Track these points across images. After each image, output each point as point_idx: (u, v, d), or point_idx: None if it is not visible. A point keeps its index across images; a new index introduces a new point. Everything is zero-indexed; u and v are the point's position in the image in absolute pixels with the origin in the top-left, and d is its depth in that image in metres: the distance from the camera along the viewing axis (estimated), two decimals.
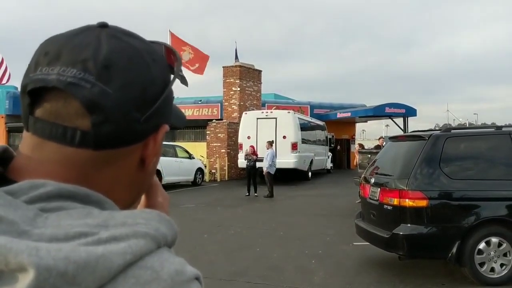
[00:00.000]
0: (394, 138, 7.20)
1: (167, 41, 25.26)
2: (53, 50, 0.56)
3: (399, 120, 26.99)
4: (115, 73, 0.54)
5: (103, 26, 0.58)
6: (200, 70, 25.50)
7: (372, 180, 6.30)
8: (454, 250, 5.14)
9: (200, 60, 25.28)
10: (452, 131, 5.88)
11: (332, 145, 27.63)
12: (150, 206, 0.71)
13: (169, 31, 24.88)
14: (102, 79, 0.53)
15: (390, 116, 27.00)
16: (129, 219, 0.50)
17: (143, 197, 0.72)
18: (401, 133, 21.47)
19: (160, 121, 0.60)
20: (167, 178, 16.92)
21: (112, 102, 0.53)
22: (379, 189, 5.95)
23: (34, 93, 0.55)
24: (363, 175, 7.10)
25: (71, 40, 0.56)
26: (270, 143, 15.54)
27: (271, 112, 20.65)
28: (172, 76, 0.64)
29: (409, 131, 21.56)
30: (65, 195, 0.52)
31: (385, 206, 5.74)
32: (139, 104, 0.56)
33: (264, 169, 14.85)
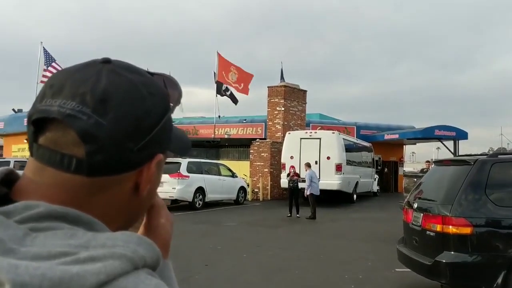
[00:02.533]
0: (439, 162, 7.00)
1: (215, 61, 25.87)
2: (58, 83, 0.61)
3: (450, 143, 26.15)
4: (111, 106, 0.58)
5: (105, 62, 0.63)
6: (245, 90, 26.02)
7: (415, 205, 6.13)
8: (500, 280, 4.89)
9: (244, 80, 25.83)
10: (499, 156, 5.66)
11: (379, 167, 27.03)
12: (152, 227, 0.74)
13: (217, 52, 25.52)
14: (98, 111, 0.58)
15: (440, 138, 26.20)
16: (109, 241, 0.53)
17: (145, 218, 0.74)
18: (451, 156, 20.78)
19: (155, 151, 0.64)
20: (210, 196, 17.12)
21: (106, 133, 0.57)
22: (422, 214, 5.78)
23: (38, 122, 0.60)
24: (406, 199, 6.92)
25: (74, 74, 0.61)
26: (308, 165, 15.45)
27: (315, 132, 20.52)
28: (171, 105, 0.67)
29: (459, 155, 20.84)
30: (55, 216, 0.56)
31: (427, 232, 5.56)
32: (132, 135, 0.59)
33: (306, 191, 14.76)
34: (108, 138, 0.58)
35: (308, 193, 14.66)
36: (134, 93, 0.61)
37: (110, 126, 0.58)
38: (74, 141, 0.57)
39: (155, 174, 0.65)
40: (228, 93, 25.98)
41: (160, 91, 0.65)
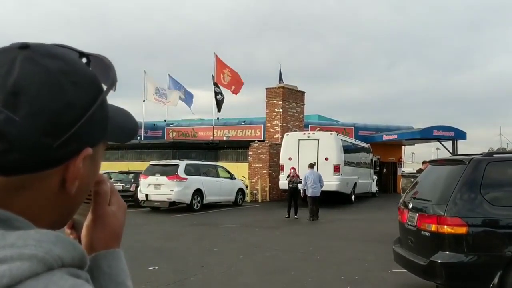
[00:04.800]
0: (434, 162, 6.97)
1: (213, 62, 25.91)
2: None
3: (449, 143, 26.14)
4: (24, 99, 0.53)
5: (23, 47, 0.57)
6: (236, 91, 26.24)
7: (410, 205, 6.10)
8: (496, 280, 4.85)
9: (236, 83, 26.01)
10: (494, 155, 5.63)
11: (378, 168, 27.01)
12: (98, 216, 0.70)
13: (214, 53, 25.54)
14: (9, 106, 0.53)
15: (439, 139, 26.22)
16: (20, 241, 0.50)
17: (91, 207, 0.71)
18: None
19: (81, 145, 0.58)
20: (208, 198, 17.09)
21: (18, 130, 0.52)
22: (417, 214, 5.74)
23: None
24: (401, 199, 6.89)
25: None
26: (311, 166, 15.40)
27: (313, 133, 20.50)
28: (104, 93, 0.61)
29: (456, 155, 20.72)
30: None
31: (422, 232, 5.52)
32: (51, 130, 0.54)
33: (306, 192, 14.75)
34: (22, 135, 0.53)
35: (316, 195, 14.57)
36: (52, 84, 0.55)
37: (23, 121, 0.53)
38: None
39: (84, 169, 0.60)
40: (218, 97, 26.13)
41: (86, 79, 0.59)
